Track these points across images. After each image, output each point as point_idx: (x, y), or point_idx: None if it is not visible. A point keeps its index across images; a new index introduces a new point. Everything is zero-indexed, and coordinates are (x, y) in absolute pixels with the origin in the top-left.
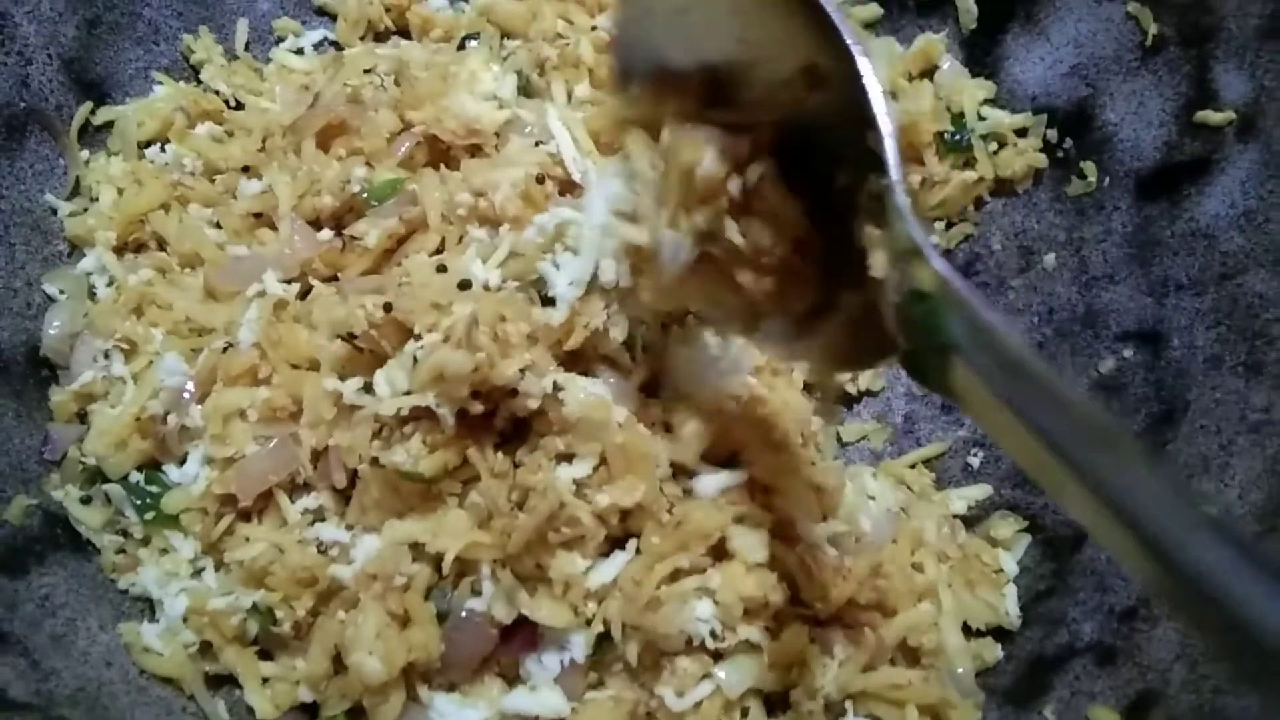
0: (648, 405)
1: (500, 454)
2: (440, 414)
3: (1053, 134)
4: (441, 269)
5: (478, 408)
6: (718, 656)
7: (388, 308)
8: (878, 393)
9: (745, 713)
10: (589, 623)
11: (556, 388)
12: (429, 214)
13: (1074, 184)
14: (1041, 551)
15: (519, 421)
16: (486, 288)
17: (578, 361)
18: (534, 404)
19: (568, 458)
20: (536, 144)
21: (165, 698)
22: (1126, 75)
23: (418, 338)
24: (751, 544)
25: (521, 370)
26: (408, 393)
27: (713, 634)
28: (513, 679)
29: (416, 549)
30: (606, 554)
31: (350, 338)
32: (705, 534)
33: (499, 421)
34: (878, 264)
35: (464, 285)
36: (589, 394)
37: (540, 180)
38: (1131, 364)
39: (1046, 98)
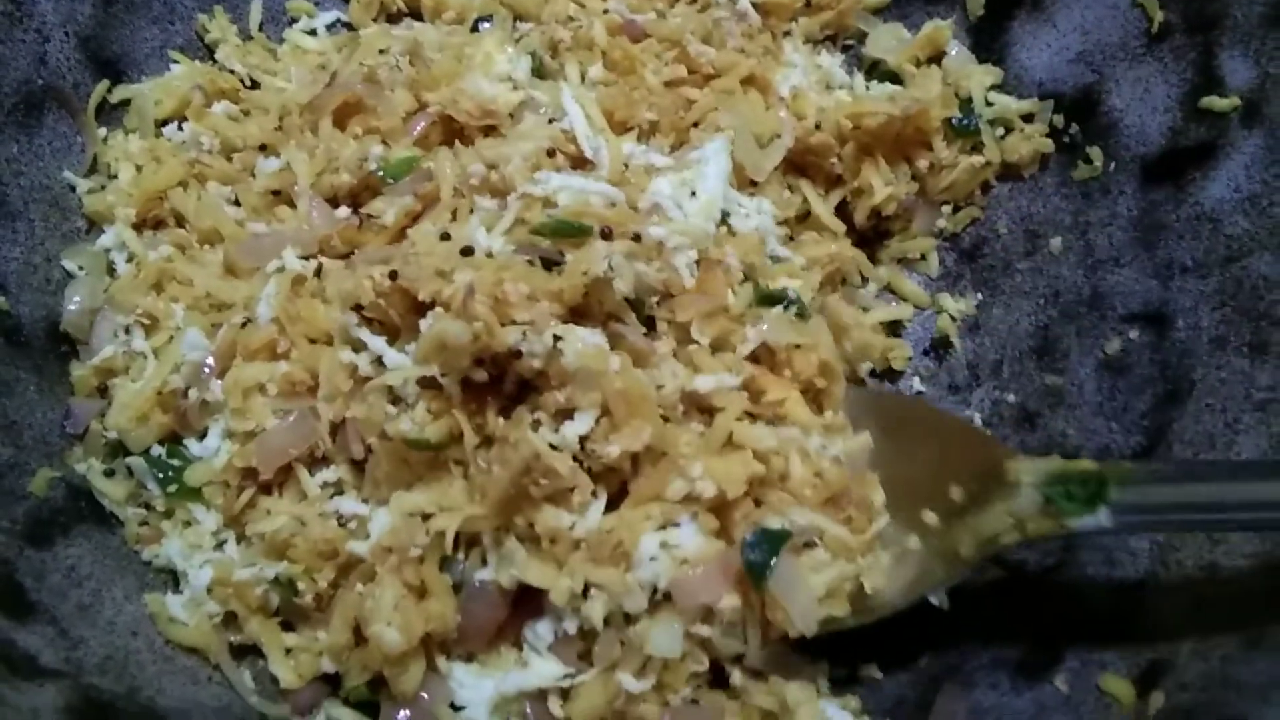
0: (652, 339)
1: (502, 418)
2: (444, 383)
3: (1059, 119)
4: (445, 237)
5: (481, 375)
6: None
7: (393, 275)
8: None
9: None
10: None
11: (556, 340)
12: (442, 187)
13: (1080, 169)
14: None
15: (525, 383)
16: (490, 255)
17: (584, 320)
18: (538, 364)
19: (569, 413)
20: (550, 122)
21: (191, 667)
22: (1132, 62)
23: (423, 307)
24: (761, 434)
25: (523, 332)
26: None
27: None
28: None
29: (429, 520)
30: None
31: (359, 308)
32: (686, 455)
33: (507, 385)
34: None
35: (466, 252)
36: (586, 344)
37: (551, 154)
38: (1137, 345)
39: (1053, 84)
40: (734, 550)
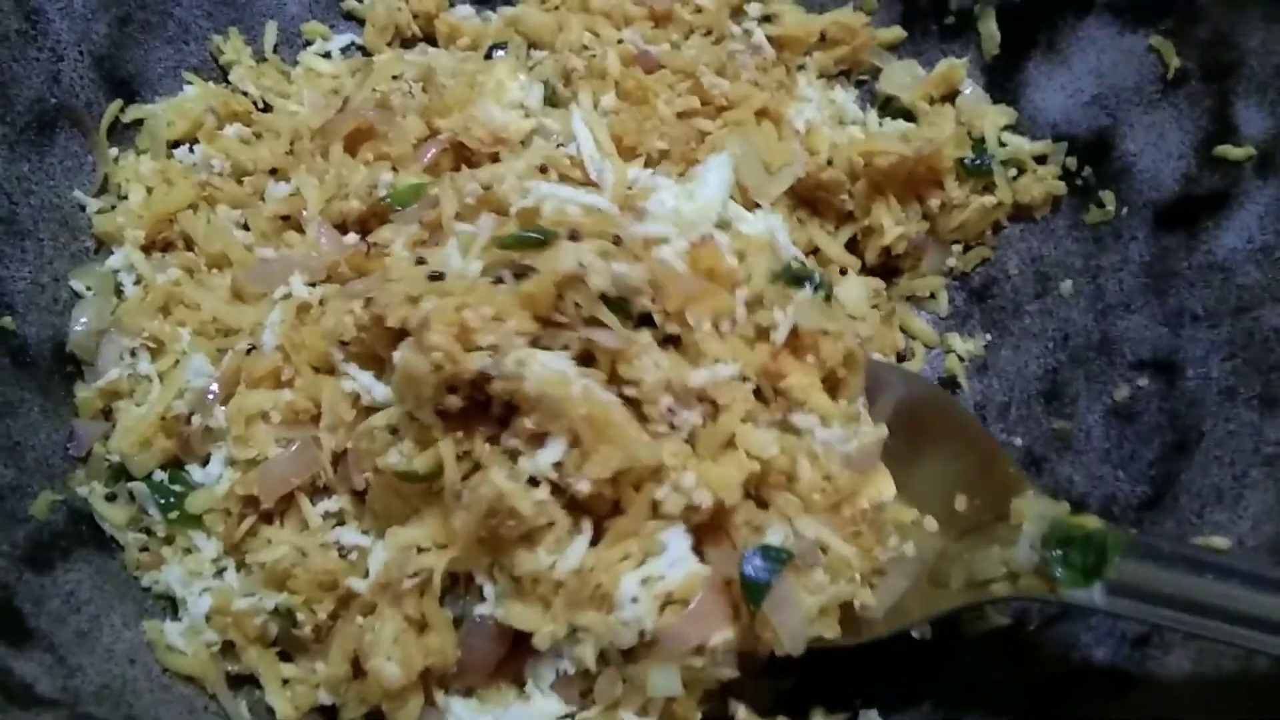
0: (639, 334)
1: (489, 444)
2: (419, 415)
3: (1072, 162)
4: (421, 262)
5: (456, 402)
6: None
7: (368, 303)
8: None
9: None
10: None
11: (519, 364)
12: (444, 213)
13: (1092, 212)
14: None
15: (512, 407)
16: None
17: (563, 328)
18: (509, 385)
19: (542, 439)
20: (558, 147)
21: (188, 696)
22: (1147, 107)
23: (398, 337)
24: (763, 440)
25: (489, 356)
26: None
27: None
28: (524, 684)
29: (422, 555)
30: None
31: (343, 344)
32: (664, 470)
33: (495, 409)
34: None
35: (435, 277)
36: (547, 368)
37: (543, 170)
38: (1146, 393)
39: (1067, 126)
40: (722, 573)
